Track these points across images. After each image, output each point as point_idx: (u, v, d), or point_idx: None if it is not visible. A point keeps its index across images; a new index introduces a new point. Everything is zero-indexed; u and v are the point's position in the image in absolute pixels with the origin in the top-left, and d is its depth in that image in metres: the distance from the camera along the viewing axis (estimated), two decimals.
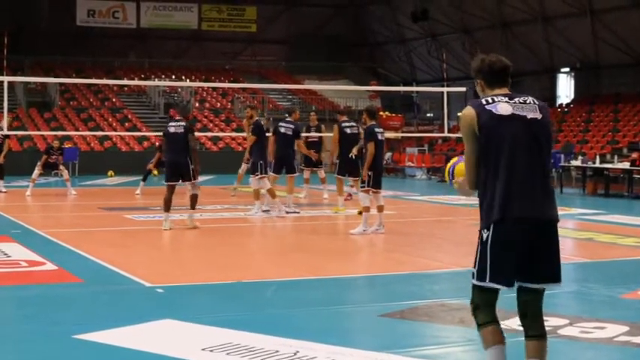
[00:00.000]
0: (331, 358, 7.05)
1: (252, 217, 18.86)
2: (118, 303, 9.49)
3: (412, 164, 38.79)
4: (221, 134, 40.24)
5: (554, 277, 5.67)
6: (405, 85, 51.88)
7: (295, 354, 7.15)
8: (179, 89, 47.27)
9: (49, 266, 11.76)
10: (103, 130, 39.78)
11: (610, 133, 37.23)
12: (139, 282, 10.56)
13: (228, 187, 24.97)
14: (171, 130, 16.69)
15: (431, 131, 44.70)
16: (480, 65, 5.72)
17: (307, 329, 8.09)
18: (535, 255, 5.51)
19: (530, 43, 45.15)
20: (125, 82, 44.66)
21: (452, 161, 6.11)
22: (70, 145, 35.58)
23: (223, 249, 14.80)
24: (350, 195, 21.72)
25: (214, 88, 49.15)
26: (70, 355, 7.35)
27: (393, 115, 44.36)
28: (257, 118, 19.30)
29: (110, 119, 41.97)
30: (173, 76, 49.98)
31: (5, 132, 25.08)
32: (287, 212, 19.30)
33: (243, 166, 23.24)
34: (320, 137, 23.53)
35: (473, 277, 5.59)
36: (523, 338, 5.77)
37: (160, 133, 19.89)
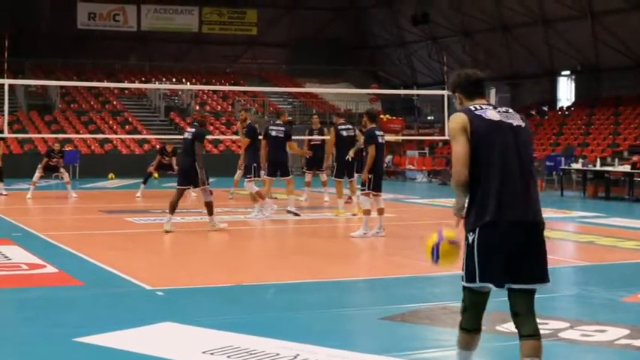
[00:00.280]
0: None
1: (253, 219, 18.85)
2: (118, 306, 9.48)
3: (413, 167, 38.79)
4: (222, 137, 40.24)
5: (543, 277, 5.77)
6: (405, 88, 51.91)
7: (296, 357, 7.15)
8: (180, 92, 47.30)
9: (50, 269, 11.76)
10: (103, 132, 39.78)
11: (610, 136, 37.24)
12: (140, 285, 10.56)
13: (228, 189, 24.96)
14: (184, 135, 16.97)
15: (431, 134, 44.68)
16: (457, 80, 5.94)
17: (308, 332, 8.09)
18: (523, 256, 5.63)
19: (531, 46, 45.17)
20: (126, 85, 44.73)
21: (432, 239, 6.02)
22: (70, 148, 35.60)
23: (224, 252, 14.82)
24: (350, 198, 21.72)
25: (215, 91, 49.17)
26: (70, 357, 7.35)
27: (394, 118, 44.36)
28: (250, 120, 19.32)
29: (111, 122, 41.98)
30: (174, 79, 50.02)
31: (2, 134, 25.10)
32: (288, 212, 19.37)
33: (239, 172, 23.33)
34: (323, 140, 23.55)
35: (462, 280, 5.77)
36: (514, 337, 5.77)
37: (161, 136, 19.93)
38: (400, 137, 39.93)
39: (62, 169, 25.15)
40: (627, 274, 12.41)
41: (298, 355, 7.23)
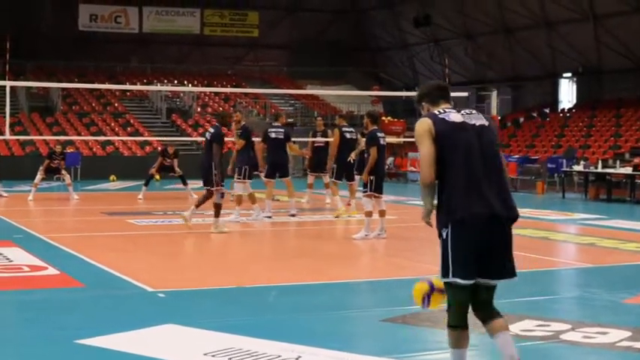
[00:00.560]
0: None
1: (254, 221, 18.85)
2: (119, 308, 9.48)
3: (414, 169, 38.73)
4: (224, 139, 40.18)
5: (512, 272, 6.02)
6: (407, 90, 51.80)
7: (297, 359, 7.15)
8: (181, 94, 47.28)
9: (51, 271, 11.76)
10: (105, 134, 39.76)
11: (612, 138, 37.24)
12: (141, 287, 10.56)
13: (229, 192, 24.95)
14: (206, 135, 17.06)
15: None
16: (423, 90, 6.34)
17: (309, 334, 8.09)
18: (494, 251, 5.87)
19: (533, 48, 45.16)
20: (127, 87, 44.71)
21: (423, 287, 6.32)
22: (72, 150, 35.60)
23: (225, 253, 14.83)
24: (349, 204, 21.71)
25: (216, 93, 49.15)
26: (71, 359, 7.35)
27: (395, 120, 44.35)
28: (244, 122, 19.31)
29: (112, 124, 41.99)
30: (175, 81, 50.00)
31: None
32: (291, 215, 19.41)
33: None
34: (326, 142, 23.59)
35: (439, 276, 5.98)
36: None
37: (162, 138, 19.92)
38: (402, 139, 39.90)
39: (64, 171, 25.16)
40: (629, 276, 12.41)
41: (300, 357, 7.23)
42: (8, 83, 25.91)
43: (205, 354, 7.32)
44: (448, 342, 6.13)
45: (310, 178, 23.46)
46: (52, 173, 25.62)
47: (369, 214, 15.72)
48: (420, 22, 49.34)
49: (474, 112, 6.13)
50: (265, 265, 13.19)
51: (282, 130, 19.86)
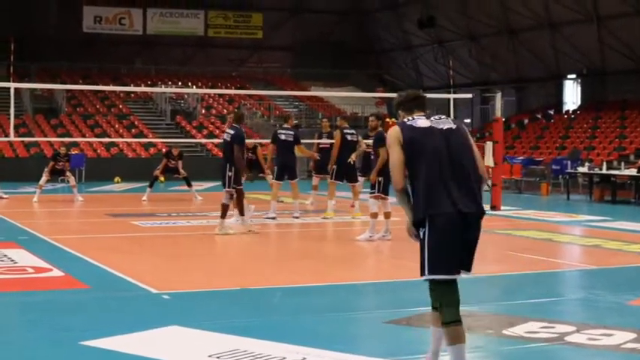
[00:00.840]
0: None
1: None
2: (124, 309, 9.49)
3: None
4: None
5: (470, 266, 6.38)
6: None
7: None
8: (185, 96, 47.30)
9: (56, 272, 11.77)
10: (109, 136, 39.78)
11: (617, 140, 37.19)
12: (146, 288, 10.56)
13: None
14: (224, 136, 17.04)
15: None
16: (399, 99, 6.72)
17: (314, 336, 8.09)
18: (465, 246, 6.26)
19: (537, 50, 45.13)
20: (131, 88, 44.72)
21: None
22: (76, 152, 35.62)
23: (229, 255, 14.83)
24: (352, 206, 21.71)
25: (221, 95, 49.12)
26: None
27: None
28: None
29: (117, 126, 42.00)
30: (179, 83, 50.02)
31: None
32: (295, 217, 19.42)
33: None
34: (331, 144, 23.59)
35: (422, 274, 6.31)
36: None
37: (167, 140, 19.92)
38: None
39: (68, 173, 25.18)
40: (633, 278, 12.40)
41: (304, 358, 7.24)
42: (13, 85, 25.96)
43: (210, 356, 7.32)
44: (446, 340, 6.33)
45: (315, 180, 23.45)
46: (56, 175, 25.63)
47: (374, 215, 15.71)
48: (423, 23, 49.33)
49: (443, 117, 6.52)
50: (269, 267, 13.20)
51: (291, 132, 19.90)
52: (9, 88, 24.72)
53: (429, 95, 33.24)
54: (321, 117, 42.82)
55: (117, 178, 35.05)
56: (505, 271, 12.68)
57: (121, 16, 51.53)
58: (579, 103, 45.73)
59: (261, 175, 22.49)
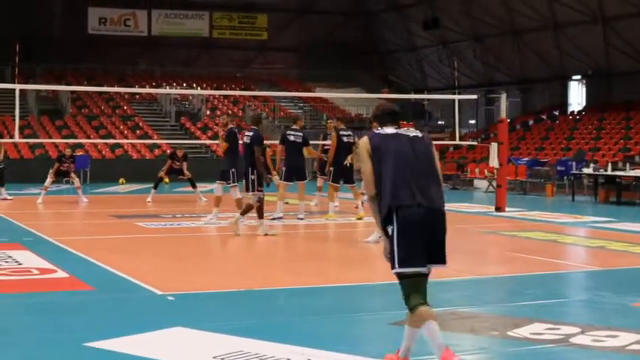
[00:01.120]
0: None
1: (207, 225, 18.64)
2: (128, 310, 9.49)
3: None
4: None
5: (444, 259, 6.67)
6: (416, 92, 51.89)
7: None
8: (190, 97, 47.35)
9: (61, 274, 11.77)
10: (114, 137, 39.84)
11: (622, 141, 37.14)
12: (150, 290, 10.56)
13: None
14: (245, 139, 17.00)
15: (442, 139, 44.63)
16: (375, 112, 7.29)
17: (318, 337, 8.08)
18: (430, 240, 6.59)
19: (542, 51, 45.10)
20: (136, 89, 44.73)
21: None
22: (81, 153, 35.65)
23: (234, 256, 14.83)
24: (357, 207, 21.70)
25: (225, 96, 49.18)
26: None
27: (405, 122, 44.33)
28: (231, 126, 19.30)
29: (121, 127, 42.04)
30: (184, 84, 50.06)
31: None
32: (299, 218, 19.43)
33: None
34: None
35: (392, 268, 6.63)
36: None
37: (172, 141, 19.91)
38: None
39: (73, 174, 25.19)
40: (639, 279, 12.38)
41: (309, 359, 7.23)
42: (18, 86, 25.98)
43: (214, 357, 7.32)
44: (413, 321, 6.64)
45: (319, 181, 23.45)
46: (61, 176, 25.64)
47: None
48: (428, 24, 49.35)
49: (411, 129, 7.11)
50: (274, 268, 13.20)
51: (300, 133, 19.91)
52: (14, 90, 24.77)
53: (433, 96, 33.37)
54: (325, 118, 42.86)
55: (121, 180, 35.07)
56: (510, 273, 12.67)
57: (125, 17, 51.61)
58: (584, 104, 45.70)
59: (269, 176, 22.52)
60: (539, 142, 41.02)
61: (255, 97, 48.35)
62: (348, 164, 19.74)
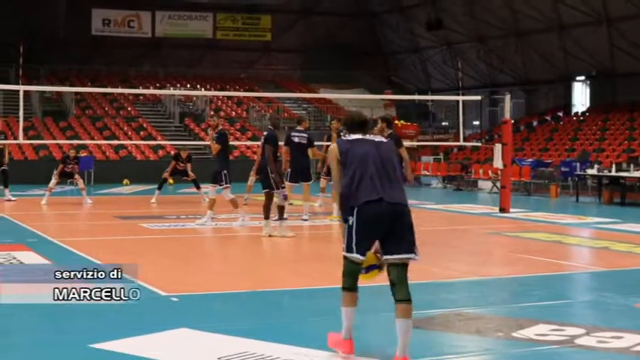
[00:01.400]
0: None
1: (201, 227, 18.64)
2: (133, 312, 9.47)
3: (428, 173, 38.74)
4: (236, 143, 40.16)
5: (409, 250, 7.33)
6: (420, 93, 51.81)
7: None
8: (194, 98, 47.34)
9: None
10: (118, 138, 39.84)
11: (626, 142, 37.11)
12: (155, 291, 10.55)
13: (242, 195, 24.96)
14: (262, 139, 17.15)
15: (446, 140, 44.66)
16: (346, 120, 8.01)
17: (322, 338, 8.07)
18: (392, 232, 7.28)
19: (546, 52, 45.07)
20: (140, 90, 44.71)
21: (371, 261, 7.68)
22: (85, 154, 35.66)
23: (238, 258, 14.82)
24: None
25: (229, 97, 49.20)
26: None
27: (409, 123, 44.33)
28: (222, 127, 19.28)
29: (125, 128, 42.04)
30: (188, 85, 50.05)
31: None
32: (303, 219, 19.43)
33: (252, 178, 23.54)
34: None
35: (344, 250, 7.45)
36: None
37: (176, 142, 19.86)
38: (415, 143, 39.89)
39: (77, 176, 25.20)
40: None
41: None
42: (22, 88, 26.00)
43: (219, 358, 7.32)
44: (342, 301, 7.60)
45: (323, 182, 23.44)
46: (65, 177, 25.66)
47: None
48: (432, 25, 49.32)
49: (378, 136, 7.88)
50: (279, 269, 13.19)
51: (305, 134, 19.86)
52: (18, 91, 24.79)
53: (437, 97, 33.38)
54: (329, 119, 42.85)
55: (126, 181, 35.09)
56: (514, 274, 12.66)
57: (129, 18, 51.66)
58: (588, 105, 45.66)
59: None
60: (543, 143, 41.00)
61: (259, 98, 48.34)
62: None
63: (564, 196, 29.94)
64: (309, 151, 20.06)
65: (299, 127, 20.44)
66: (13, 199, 24.99)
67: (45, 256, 13.33)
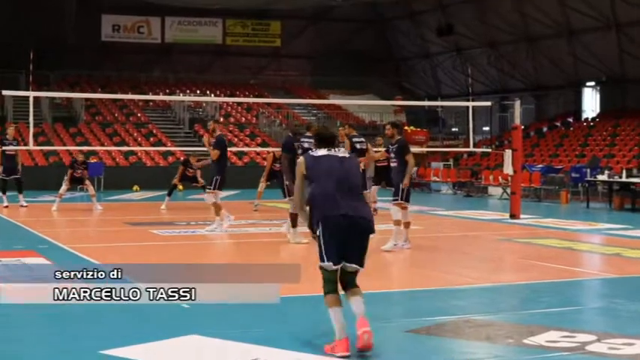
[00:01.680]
0: None
1: (211, 233, 18.63)
2: (144, 318, 9.48)
3: (437, 179, 38.69)
4: (246, 149, 40.22)
5: (361, 263, 8.01)
6: (429, 99, 51.82)
7: None
8: (204, 104, 47.39)
9: None
10: (128, 144, 39.90)
11: (636, 147, 37.01)
12: None
13: (252, 201, 24.97)
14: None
15: (456, 146, 44.61)
16: (315, 135, 8.70)
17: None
18: (348, 244, 7.84)
19: (556, 57, 45.04)
20: (150, 97, 44.82)
21: None
22: (95, 160, 35.71)
23: (247, 263, 14.79)
24: (375, 210, 21.67)
25: (239, 103, 49.24)
26: None
27: (418, 129, 44.30)
28: (219, 132, 19.27)
29: (135, 134, 42.12)
30: (198, 91, 50.15)
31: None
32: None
33: (262, 185, 23.60)
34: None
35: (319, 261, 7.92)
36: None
37: (185, 148, 19.86)
38: (425, 149, 39.86)
39: (87, 182, 25.22)
40: None
41: None
42: (32, 94, 26.09)
43: None
44: (326, 303, 7.88)
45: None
46: (76, 183, 25.67)
47: (398, 222, 15.62)
48: (442, 31, 49.33)
49: (342, 150, 8.36)
50: None
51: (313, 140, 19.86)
52: (28, 97, 24.84)
53: (447, 103, 33.48)
54: (339, 125, 42.82)
55: (135, 187, 35.15)
56: (525, 280, 12.62)
57: (139, 24, 51.77)
58: (598, 110, 45.59)
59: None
60: (553, 149, 40.94)
61: (268, 104, 48.37)
62: (361, 170, 19.65)
63: (575, 202, 29.88)
64: None
65: (308, 133, 20.42)
66: (25, 204, 25.05)
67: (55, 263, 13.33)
